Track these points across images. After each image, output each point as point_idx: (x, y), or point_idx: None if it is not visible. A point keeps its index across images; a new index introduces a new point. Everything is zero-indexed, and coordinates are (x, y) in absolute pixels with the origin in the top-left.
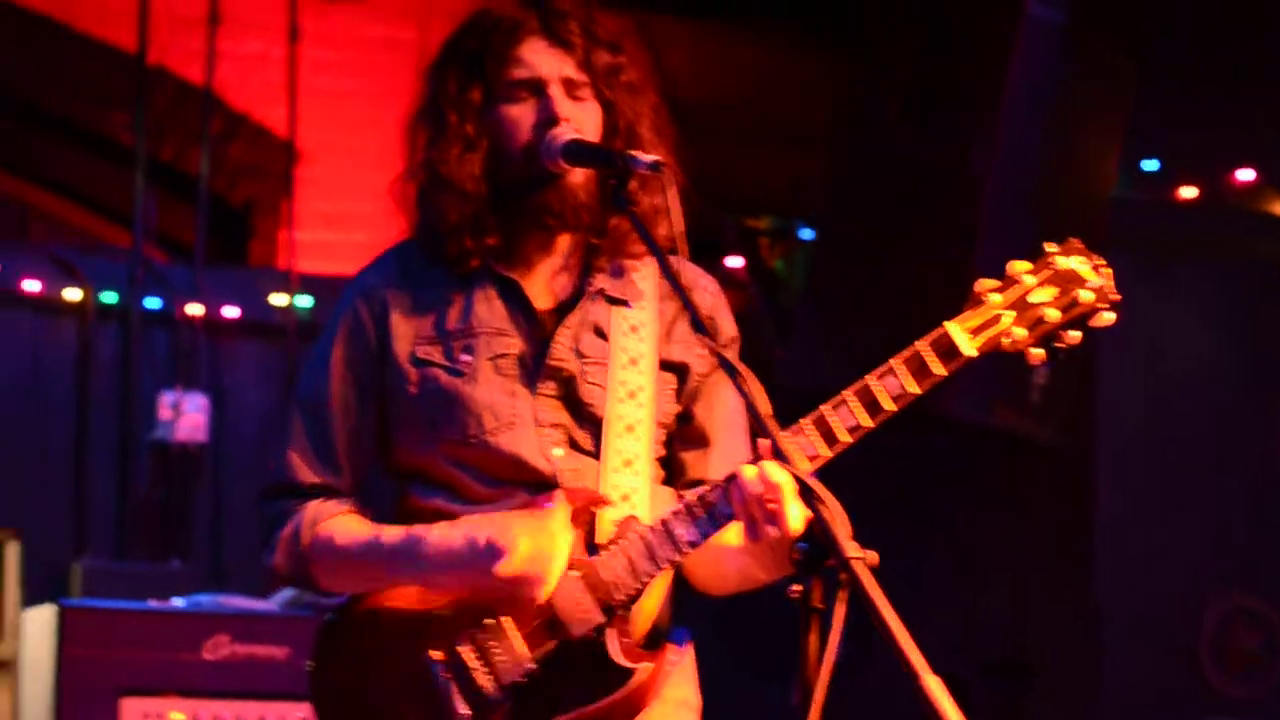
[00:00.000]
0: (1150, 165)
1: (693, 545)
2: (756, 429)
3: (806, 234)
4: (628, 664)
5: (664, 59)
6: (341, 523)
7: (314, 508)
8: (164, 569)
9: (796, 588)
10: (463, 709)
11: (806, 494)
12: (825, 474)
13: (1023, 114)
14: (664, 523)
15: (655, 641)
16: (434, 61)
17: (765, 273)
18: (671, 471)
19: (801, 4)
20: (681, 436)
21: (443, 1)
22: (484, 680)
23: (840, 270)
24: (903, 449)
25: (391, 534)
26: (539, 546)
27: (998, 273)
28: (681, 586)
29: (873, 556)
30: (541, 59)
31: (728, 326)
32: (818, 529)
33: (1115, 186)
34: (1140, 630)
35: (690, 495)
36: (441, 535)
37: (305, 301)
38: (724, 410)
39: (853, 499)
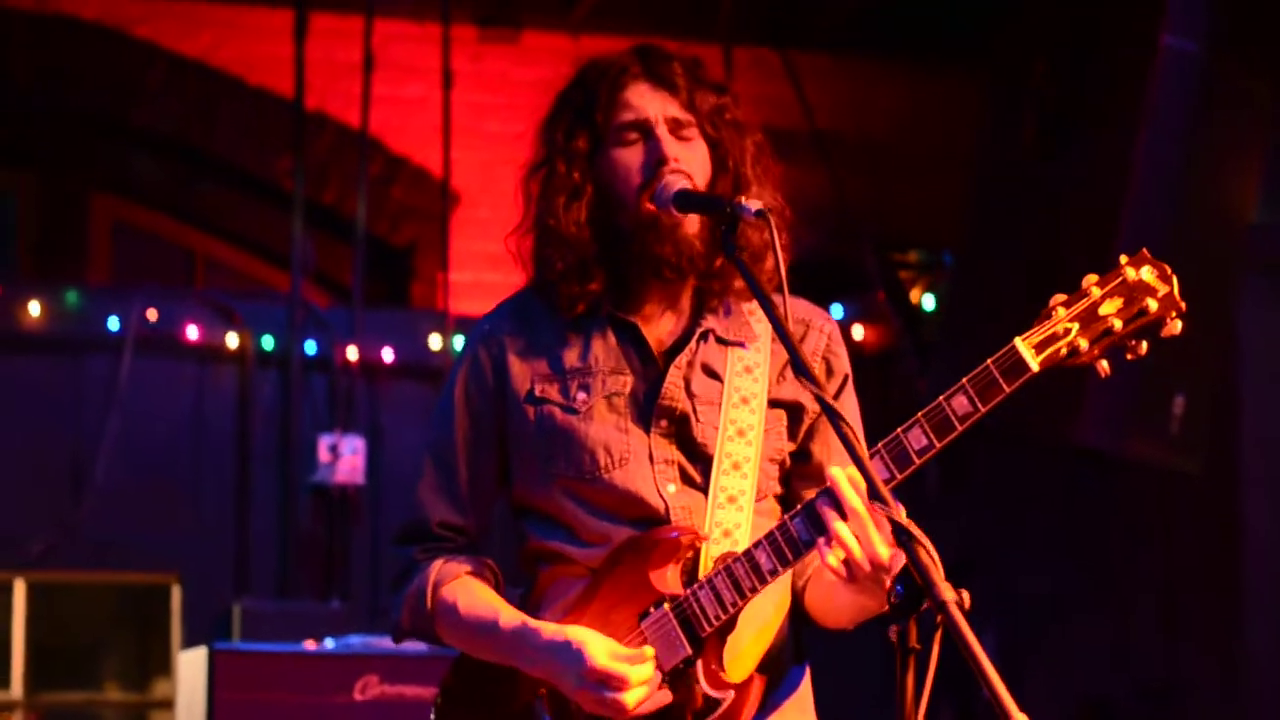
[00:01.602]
0: None
1: (773, 574)
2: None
3: None
4: (715, 694)
5: (807, 93)
6: (465, 588)
7: (438, 568)
8: (324, 609)
9: (894, 629)
10: None
11: (902, 537)
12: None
13: (1161, 142)
14: (748, 552)
15: (772, 678)
16: (546, 115)
17: (907, 306)
18: (791, 508)
19: (941, 36)
20: (799, 474)
21: (595, 42)
22: (581, 715)
23: (977, 300)
24: (1053, 481)
25: (509, 619)
26: (616, 672)
27: None
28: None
29: (966, 598)
30: (647, 101)
31: (840, 365)
32: (914, 571)
33: (1255, 212)
34: None
35: (776, 526)
36: (551, 634)
37: (461, 342)
38: (840, 447)
39: (1005, 529)
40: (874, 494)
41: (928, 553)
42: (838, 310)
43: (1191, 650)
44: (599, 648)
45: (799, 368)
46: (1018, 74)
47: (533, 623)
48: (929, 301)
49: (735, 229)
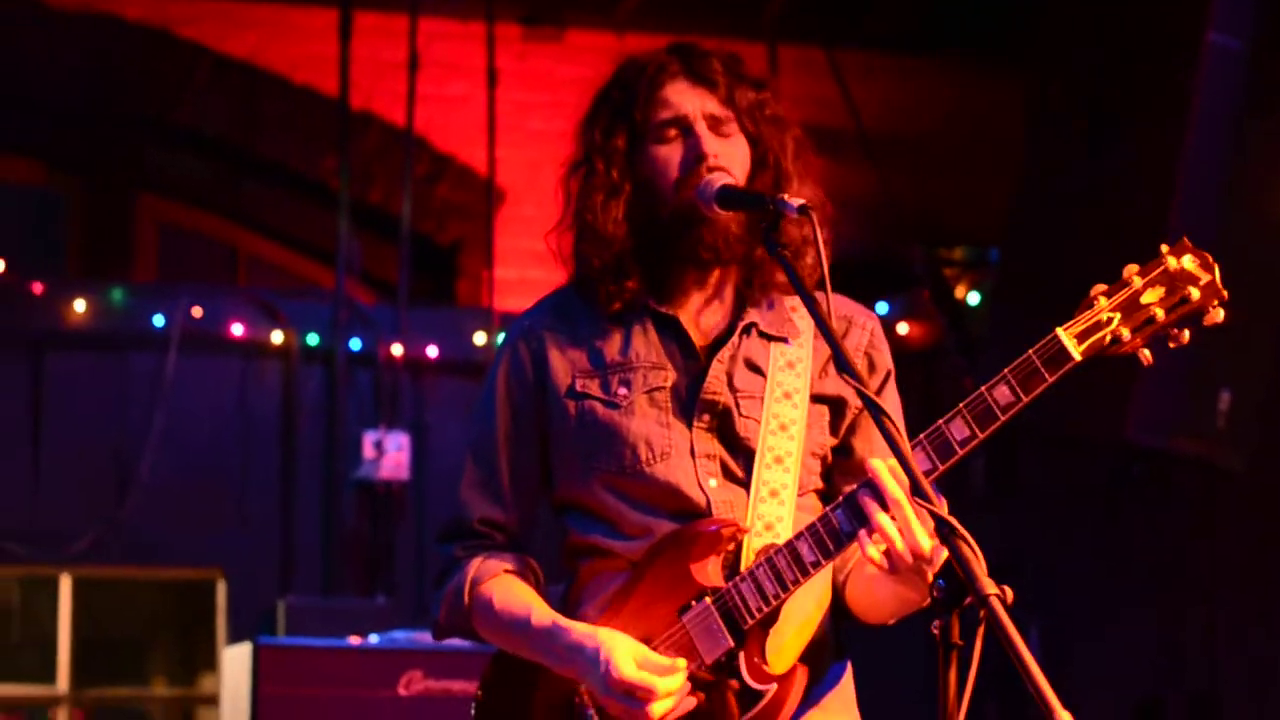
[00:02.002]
0: None
1: (815, 566)
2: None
3: None
4: (757, 686)
5: (852, 92)
6: (502, 586)
7: (477, 565)
8: (369, 605)
9: (936, 624)
10: None
11: (944, 531)
12: (1012, 506)
13: (1208, 140)
14: (790, 544)
15: (814, 673)
16: (586, 114)
17: (953, 303)
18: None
19: (987, 34)
20: (840, 469)
21: (639, 40)
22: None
23: (1023, 296)
24: (1097, 478)
25: (540, 618)
26: (643, 683)
27: None
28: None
29: (1009, 593)
30: (685, 98)
31: (883, 361)
32: (956, 566)
33: None
34: None
35: (818, 518)
36: (580, 636)
37: None
38: (882, 442)
39: (1051, 528)
40: (916, 489)
41: (970, 547)
42: (883, 307)
43: (1238, 653)
44: (625, 656)
45: (841, 363)
46: (1064, 72)
47: (563, 622)
48: (974, 298)
49: (777, 226)
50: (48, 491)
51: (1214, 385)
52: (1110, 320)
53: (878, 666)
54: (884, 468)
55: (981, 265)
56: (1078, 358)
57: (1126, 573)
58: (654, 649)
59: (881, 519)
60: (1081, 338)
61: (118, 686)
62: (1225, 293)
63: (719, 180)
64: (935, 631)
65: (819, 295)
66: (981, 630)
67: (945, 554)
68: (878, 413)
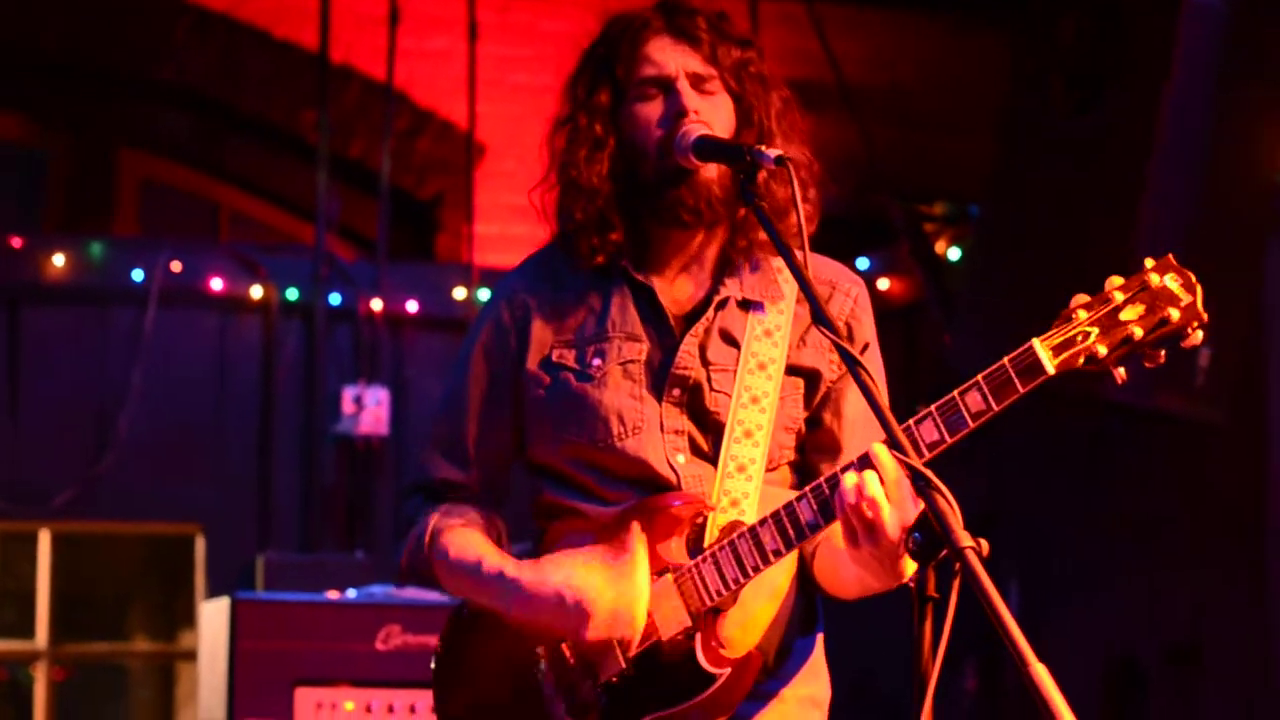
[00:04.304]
0: None
1: (777, 555)
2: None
3: None
4: (710, 669)
5: (833, 47)
6: (459, 536)
7: (438, 518)
8: (347, 560)
9: (912, 577)
10: (559, 708)
11: (920, 484)
12: (991, 462)
13: (1188, 100)
14: (753, 530)
15: (781, 646)
16: (571, 73)
17: (933, 258)
18: (804, 477)
19: None
20: (812, 443)
21: None
22: (581, 678)
23: (1002, 254)
24: (1078, 434)
25: (490, 565)
26: (620, 606)
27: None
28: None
29: (984, 546)
30: (668, 56)
31: (864, 332)
32: (932, 519)
33: None
34: None
35: (781, 505)
36: (532, 581)
37: (486, 295)
38: (854, 415)
39: (1029, 483)
40: (894, 443)
41: (946, 500)
42: (863, 262)
43: (1218, 607)
44: (586, 571)
45: (819, 317)
46: (1046, 30)
47: (511, 569)
48: (954, 254)
49: (754, 177)
50: (26, 446)
51: None
52: (1087, 335)
53: (853, 621)
54: (884, 450)
55: (962, 221)
56: (1051, 372)
57: (1106, 529)
58: None
59: (876, 491)
60: (1057, 351)
61: (97, 641)
62: (1205, 315)
63: (696, 130)
64: (911, 585)
65: (797, 252)
66: (957, 583)
67: (912, 514)
68: (853, 363)
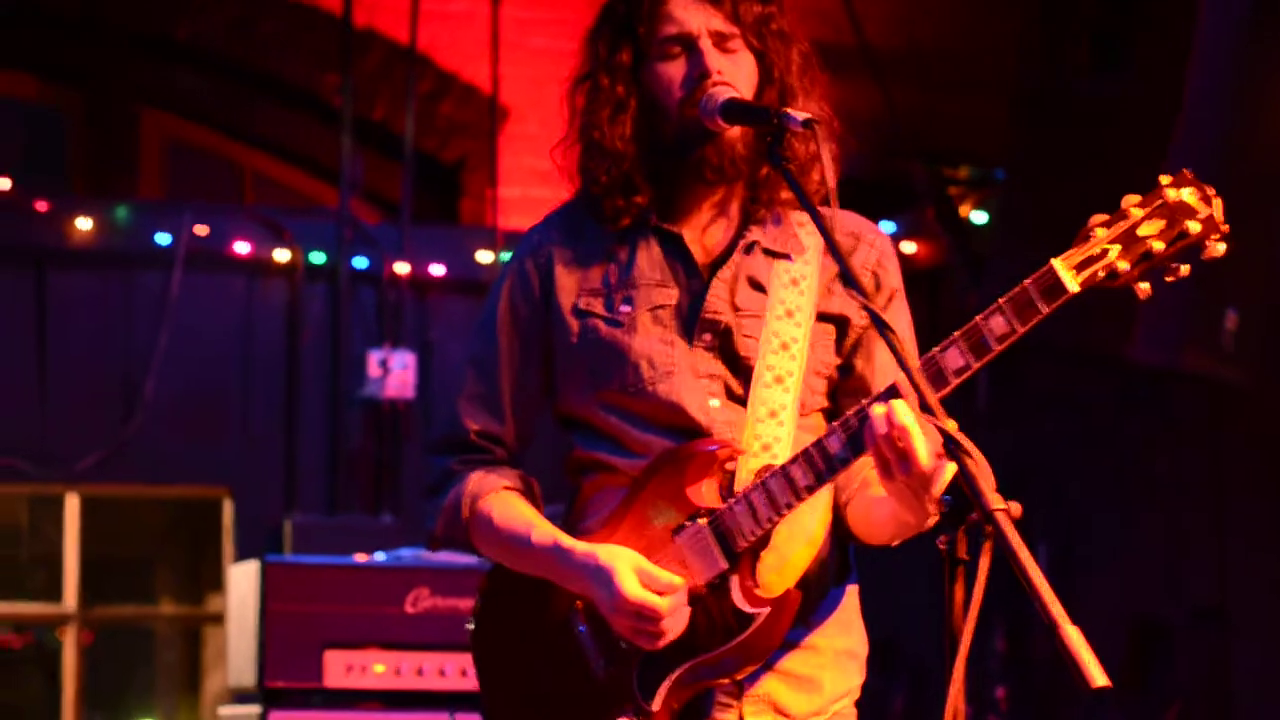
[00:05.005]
0: None
1: (809, 490)
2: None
3: None
4: (749, 610)
5: (855, 6)
6: (502, 501)
7: (477, 479)
8: (374, 523)
9: (943, 539)
10: (599, 661)
11: (951, 447)
12: (1018, 423)
13: (1213, 58)
14: (784, 468)
15: (816, 592)
16: (590, 28)
17: (957, 221)
18: None
19: None
20: (843, 389)
21: None
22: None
23: (1026, 216)
24: (1104, 396)
25: (541, 536)
26: (650, 603)
27: None
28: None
29: (1016, 508)
30: (690, 14)
31: (890, 280)
32: (962, 482)
33: None
34: None
35: (813, 442)
36: (583, 555)
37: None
38: (886, 360)
39: (1057, 445)
40: (923, 405)
41: (976, 463)
42: (888, 226)
43: (1243, 569)
44: (629, 574)
45: (846, 278)
46: None
47: (565, 541)
48: (979, 217)
49: (782, 139)
50: (54, 410)
51: (1220, 304)
52: (1107, 252)
53: (879, 585)
54: (903, 406)
55: (987, 184)
56: (1074, 289)
57: (1132, 491)
58: None
59: (906, 418)
60: (1079, 269)
61: (125, 605)
62: (1225, 226)
63: (723, 94)
64: (942, 547)
65: (824, 210)
66: (988, 545)
67: (947, 473)
68: (882, 327)
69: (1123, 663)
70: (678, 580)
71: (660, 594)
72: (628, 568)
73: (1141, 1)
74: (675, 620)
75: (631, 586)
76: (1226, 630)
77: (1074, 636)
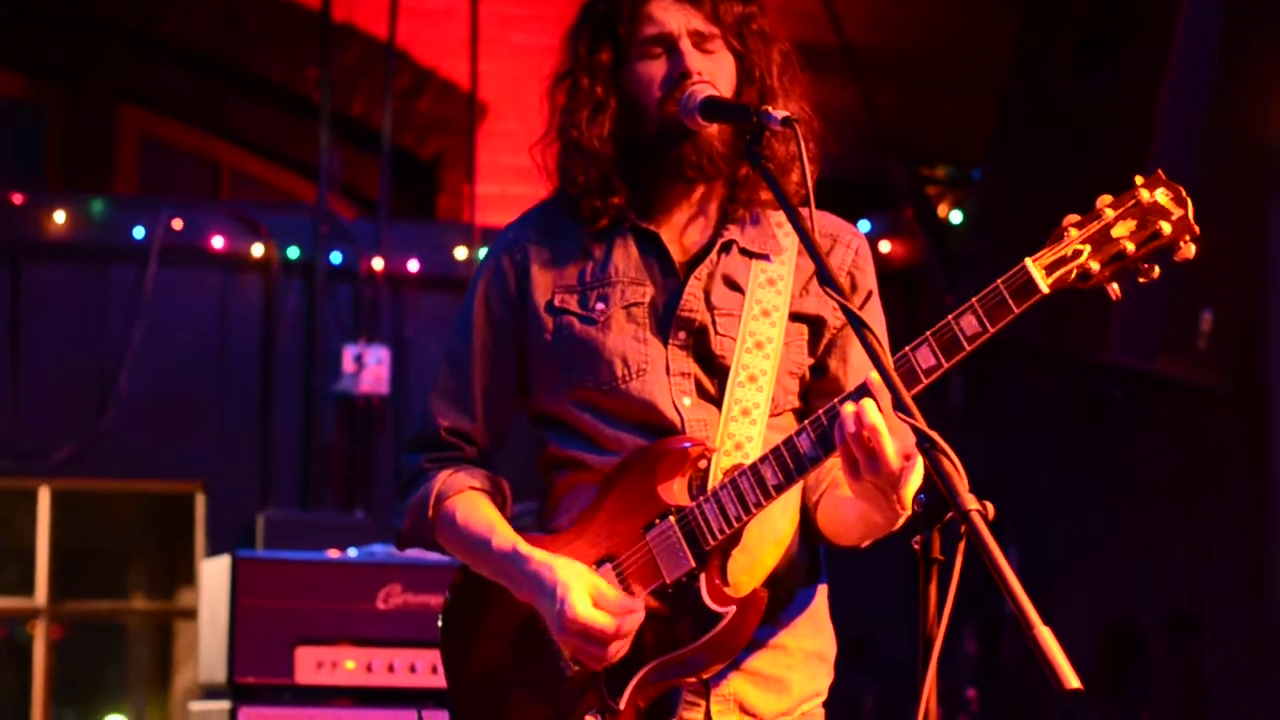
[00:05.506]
0: None
1: (779, 489)
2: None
3: None
4: (716, 609)
5: (835, 6)
6: (466, 502)
7: (444, 478)
8: (348, 519)
9: (917, 539)
10: (565, 657)
11: (926, 445)
12: (992, 425)
13: (1192, 61)
14: (754, 467)
15: (785, 592)
16: (570, 27)
17: (935, 221)
18: None
19: None
20: (816, 389)
21: None
22: None
23: (1006, 216)
24: (1079, 399)
25: (501, 541)
26: (598, 625)
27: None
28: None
29: (990, 508)
30: (670, 14)
31: (865, 281)
32: (937, 481)
33: None
34: None
35: (782, 440)
36: (538, 566)
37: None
38: (859, 362)
39: (1030, 447)
40: (899, 404)
41: (951, 462)
42: (865, 225)
43: (1218, 573)
44: (581, 594)
45: (824, 277)
46: None
47: (523, 549)
48: (956, 217)
49: (761, 138)
50: (27, 403)
51: (1195, 305)
52: (1080, 253)
53: (851, 585)
54: (879, 377)
55: (964, 184)
56: (1045, 290)
57: (1107, 494)
58: (618, 566)
59: (875, 418)
60: (1050, 269)
61: (96, 599)
62: (1197, 228)
63: (702, 92)
64: (916, 547)
65: (803, 210)
66: (962, 545)
67: (919, 474)
68: (859, 325)
69: (1096, 666)
70: (633, 602)
71: (614, 614)
72: (581, 586)
73: (1125, 4)
74: (625, 643)
75: (581, 607)
76: (1200, 634)
77: (1047, 638)
